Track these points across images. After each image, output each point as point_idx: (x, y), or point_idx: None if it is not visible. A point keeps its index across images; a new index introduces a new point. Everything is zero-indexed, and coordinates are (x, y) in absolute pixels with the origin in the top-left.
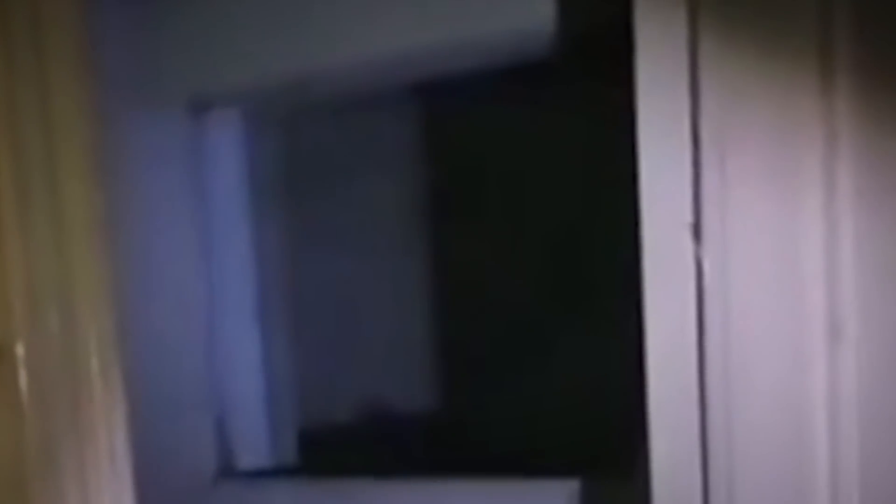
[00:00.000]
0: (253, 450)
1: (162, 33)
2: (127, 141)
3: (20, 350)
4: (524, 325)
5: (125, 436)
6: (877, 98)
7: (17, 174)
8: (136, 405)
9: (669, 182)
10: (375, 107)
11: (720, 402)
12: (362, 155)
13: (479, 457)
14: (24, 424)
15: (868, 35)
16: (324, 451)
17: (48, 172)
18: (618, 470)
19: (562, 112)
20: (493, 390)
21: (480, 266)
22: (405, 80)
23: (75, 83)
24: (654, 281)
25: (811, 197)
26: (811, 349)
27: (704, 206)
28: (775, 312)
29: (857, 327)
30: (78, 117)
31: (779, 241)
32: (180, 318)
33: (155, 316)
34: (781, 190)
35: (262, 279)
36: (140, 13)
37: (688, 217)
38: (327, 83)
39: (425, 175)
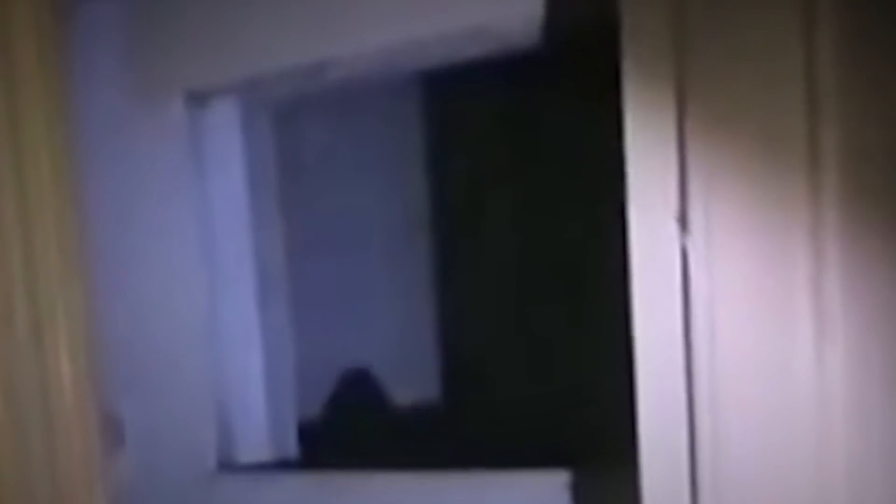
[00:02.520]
0: (253, 444)
1: (156, 24)
2: (122, 135)
3: None
4: (515, 318)
5: (98, 442)
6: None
7: None
8: (135, 402)
9: (656, 173)
10: (373, 98)
11: (706, 391)
12: (360, 146)
13: (473, 449)
14: None
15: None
16: (323, 444)
17: (16, 178)
18: (608, 461)
19: (551, 103)
20: (491, 388)
21: (476, 257)
22: (404, 69)
23: (45, 88)
24: (641, 271)
25: (797, 188)
26: (798, 341)
27: (690, 195)
28: (761, 303)
29: (844, 318)
30: (48, 121)
31: (764, 232)
32: (180, 314)
33: (154, 312)
34: (766, 181)
35: (261, 273)
36: (132, 2)
37: (674, 207)
38: (326, 73)
39: (423, 168)
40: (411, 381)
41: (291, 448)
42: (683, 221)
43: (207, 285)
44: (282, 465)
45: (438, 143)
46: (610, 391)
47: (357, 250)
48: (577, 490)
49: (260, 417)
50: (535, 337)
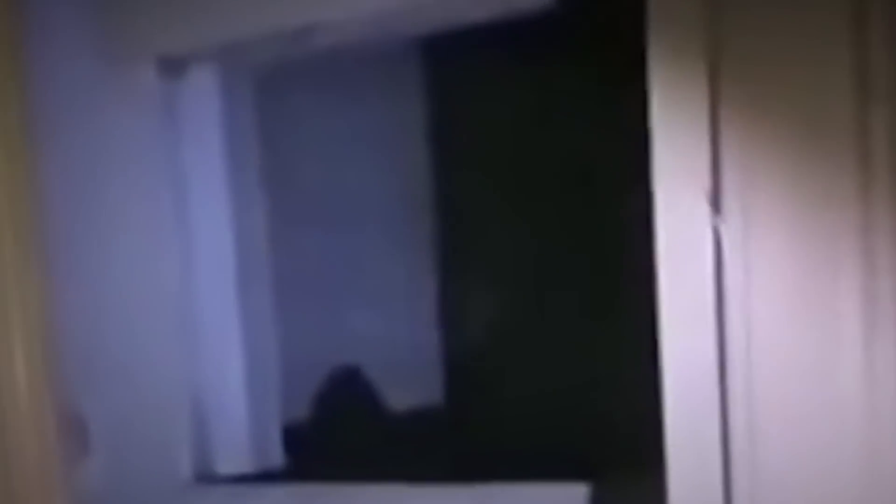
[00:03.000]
0: (234, 453)
1: None
2: (90, 105)
3: None
4: (528, 311)
5: (58, 448)
6: None
7: None
8: (101, 404)
9: (686, 152)
10: (369, 64)
11: (742, 394)
12: (353, 117)
13: (483, 460)
14: None
15: None
16: (312, 453)
17: None
18: (632, 471)
19: (565, 72)
20: (498, 389)
21: (485, 241)
22: (402, 35)
23: None
24: (669, 260)
25: (845, 159)
26: (844, 344)
27: (724, 170)
28: (803, 299)
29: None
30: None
31: (807, 222)
32: (151, 304)
33: (123, 301)
34: (809, 168)
35: (242, 256)
36: None
37: (705, 183)
38: (314, 38)
39: (423, 140)
40: (410, 381)
41: (276, 457)
42: (717, 205)
43: (182, 271)
44: (265, 476)
45: (441, 114)
46: (634, 393)
47: (349, 233)
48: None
49: (241, 421)
50: (550, 332)
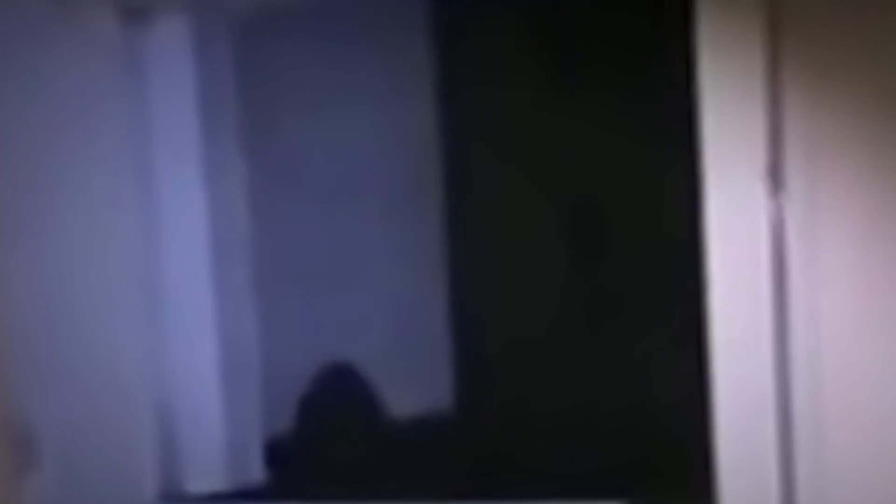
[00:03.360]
0: (206, 468)
1: None
2: (44, 60)
3: None
4: (552, 300)
5: (3, 462)
6: None
7: None
8: (53, 412)
9: (739, 110)
10: (366, 9)
11: (806, 401)
12: (347, 72)
13: (500, 475)
14: None
15: None
16: (299, 468)
17: None
18: (675, 488)
19: (595, 19)
20: (518, 393)
21: (502, 219)
22: None
23: None
24: (719, 243)
25: None
26: None
27: (785, 141)
28: (878, 284)
29: None
30: None
31: (884, 188)
32: (111, 293)
33: (78, 290)
34: (890, 118)
35: (217, 235)
36: None
37: (763, 156)
38: None
39: (431, 99)
40: (414, 384)
41: (256, 472)
42: (777, 183)
43: (146, 253)
44: (243, 495)
45: (452, 68)
46: (676, 399)
47: (343, 208)
48: None
49: (215, 430)
50: (579, 328)
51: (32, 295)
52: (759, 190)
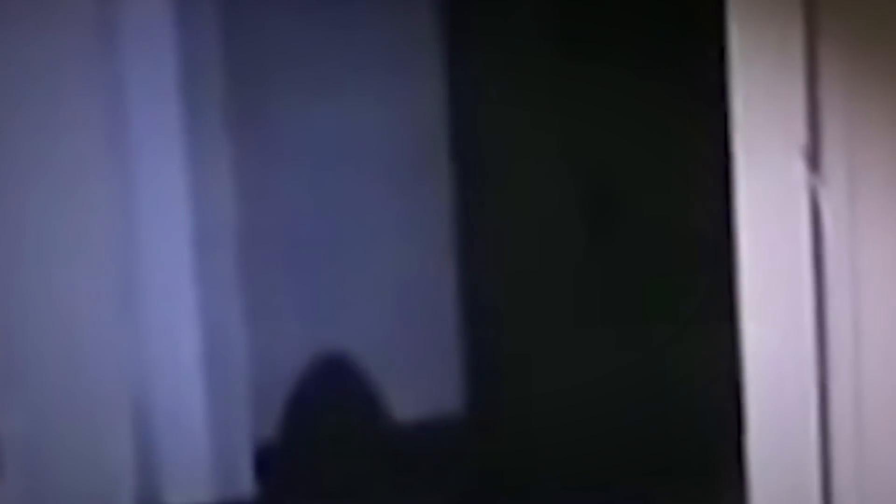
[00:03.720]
0: (189, 478)
1: None
2: (12, 28)
3: None
4: (570, 293)
5: None
6: None
7: None
8: (18, 417)
9: (774, 83)
10: None
11: (848, 404)
12: (345, 40)
13: (512, 483)
14: None
15: None
16: (292, 477)
17: None
18: (701, 498)
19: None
20: (532, 395)
21: (517, 202)
22: None
23: None
24: (751, 227)
25: None
26: None
27: (824, 118)
28: None
29: None
30: None
31: None
32: (83, 286)
33: (46, 284)
34: None
35: (200, 223)
36: None
37: (801, 134)
38: None
39: (437, 69)
40: (418, 384)
41: (244, 482)
42: (815, 163)
43: (123, 242)
44: None
45: (461, 39)
46: (704, 399)
47: (340, 189)
48: None
49: (198, 438)
50: (595, 316)
51: None
52: (796, 169)
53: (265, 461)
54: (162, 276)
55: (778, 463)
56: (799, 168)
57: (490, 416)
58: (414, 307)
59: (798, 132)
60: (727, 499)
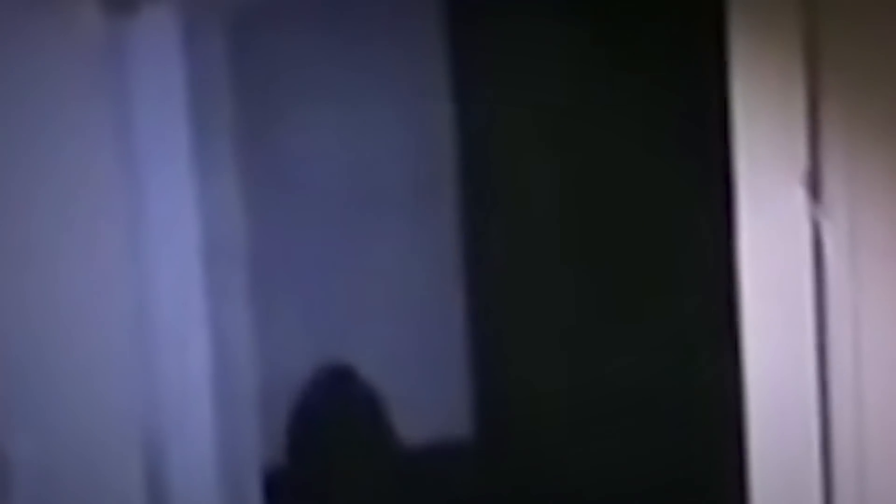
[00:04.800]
0: (198, 497)
1: None
2: (18, 53)
3: None
4: (581, 318)
5: None
6: None
7: None
8: (27, 436)
9: (776, 113)
10: (372, 2)
11: (849, 435)
12: (353, 67)
13: None
14: None
15: None
16: (300, 501)
17: None
18: None
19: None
20: (544, 419)
21: (526, 227)
22: None
23: None
24: (755, 256)
25: None
26: None
27: (824, 148)
28: None
29: None
30: None
31: None
32: (92, 306)
33: (55, 303)
34: None
35: (210, 244)
36: None
37: (802, 163)
38: None
39: (445, 96)
40: (427, 408)
41: None
42: (816, 193)
43: (133, 262)
44: None
45: (470, 66)
46: (710, 419)
47: (349, 214)
48: None
49: (207, 460)
50: (605, 348)
51: (7, 306)
52: (797, 197)
53: (273, 483)
54: (172, 299)
55: (781, 492)
56: (800, 196)
57: (498, 441)
58: (423, 330)
59: (799, 160)
60: None
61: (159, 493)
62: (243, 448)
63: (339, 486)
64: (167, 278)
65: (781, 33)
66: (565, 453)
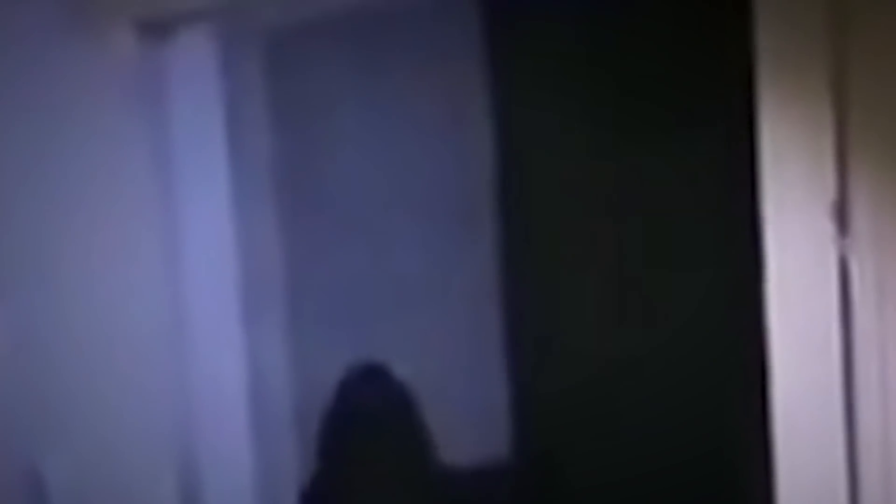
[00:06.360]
0: None
1: None
2: (53, 78)
3: None
4: (622, 341)
5: None
6: None
7: None
8: (62, 456)
9: (803, 147)
10: (409, 23)
11: (877, 474)
12: (389, 92)
13: None
14: None
15: None
16: None
17: None
18: None
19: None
20: (587, 442)
21: (566, 251)
22: None
23: None
24: (782, 289)
25: None
26: None
27: (852, 179)
28: None
29: None
30: None
31: None
32: (128, 329)
33: (91, 327)
34: None
35: (247, 269)
36: None
37: (830, 195)
38: None
39: (482, 118)
40: (465, 431)
41: None
42: (844, 225)
43: (168, 285)
44: None
45: (505, 85)
46: (739, 449)
47: (387, 240)
48: None
49: (242, 479)
50: (654, 369)
51: (41, 331)
52: (824, 228)
53: (313, 498)
54: (209, 325)
55: None
56: (828, 229)
57: (538, 464)
58: (460, 355)
59: (827, 194)
60: None
61: None
62: (279, 469)
63: (372, 493)
64: (203, 301)
65: (810, 66)
66: (604, 479)
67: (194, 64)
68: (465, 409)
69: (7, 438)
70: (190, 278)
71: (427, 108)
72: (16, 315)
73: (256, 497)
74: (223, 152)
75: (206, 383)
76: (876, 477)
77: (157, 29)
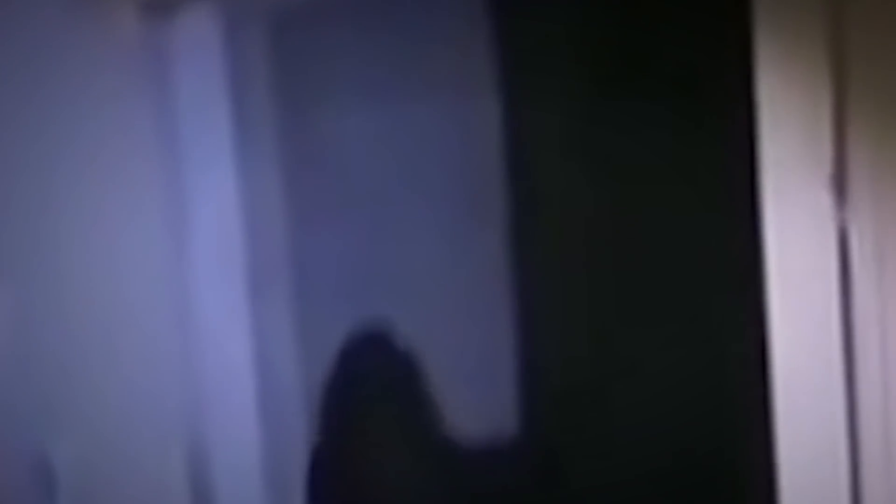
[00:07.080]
0: (242, 500)
1: None
2: (58, 58)
3: None
4: (635, 338)
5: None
6: None
7: None
8: (71, 446)
9: (801, 119)
10: (416, 4)
11: (880, 456)
12: (399, 71)
13: None
14: None
15: None
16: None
17: None
18: None
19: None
20: (600, 423)
21: (577, 243)
22: None
23: None
24: (781, 263)
25: None
26: None
27: (850, 152)
28: None
29: None
30: None
31: None
32: (135, 316)
33: (99, 313)
34: None
35: (253, 245)
36: None
37: (828, 167)
38: None
39: (493, 96)
40: (475, 413)
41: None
42: (842, 196)
43: (175, 264)
44: None
45: (516, 64)
46: (743, 436)
47: (393, 228)
48: None
49: (251, 459)
50: (653, 354)
51: (49, 318)
52: (823, 201)
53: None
54: (213, 295)
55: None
56: (825, 199)
57: (547, 447)
58: (470, 330)
59: (825, 164)
60: None
61: (204, 497)
62: (287, 446)
63: (386, 489)
64: (209, 280)
65: (808, 35)
66: (613, 465)
67: (198, 44)
68: (472, 388)
69: (13, 423)
70: (196, 256)
71: (434, 89)
72: (20, 298)
73: (265, 474)
74: (228, 132)
75: (213, 361)
76: (877, 448)
77: (160, 9)
